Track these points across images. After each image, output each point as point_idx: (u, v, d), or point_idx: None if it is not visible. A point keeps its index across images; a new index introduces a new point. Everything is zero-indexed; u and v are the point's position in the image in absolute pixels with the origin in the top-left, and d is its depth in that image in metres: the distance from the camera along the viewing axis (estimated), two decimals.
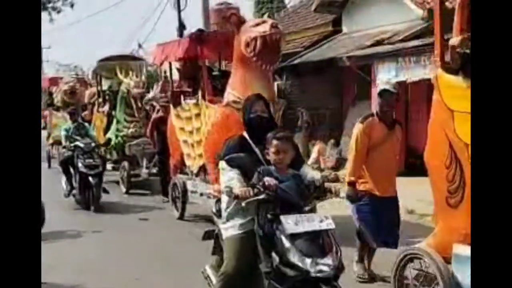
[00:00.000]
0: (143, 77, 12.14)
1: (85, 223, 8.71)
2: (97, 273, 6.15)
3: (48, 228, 6.87)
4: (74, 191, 9.94)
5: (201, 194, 8.39)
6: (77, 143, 9.74)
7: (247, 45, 6.94)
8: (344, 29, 16.15)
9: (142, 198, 11.14)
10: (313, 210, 3.79)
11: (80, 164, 9.54)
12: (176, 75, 10.60)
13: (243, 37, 7.02)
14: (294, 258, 3.42)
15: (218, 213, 4.25)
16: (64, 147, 10.15)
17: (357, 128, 5.48)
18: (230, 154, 3.99)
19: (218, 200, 4.31)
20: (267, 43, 6.82)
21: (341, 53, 13.99)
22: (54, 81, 18.94)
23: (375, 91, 13.12)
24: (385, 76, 12.16)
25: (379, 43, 13.39)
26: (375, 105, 12.90)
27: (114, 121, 12.48)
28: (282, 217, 3.54)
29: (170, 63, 9.82)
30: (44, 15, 29.49)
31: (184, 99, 8.93)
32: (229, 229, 3.99)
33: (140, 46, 21.52)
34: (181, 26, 18.30)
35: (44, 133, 15.08)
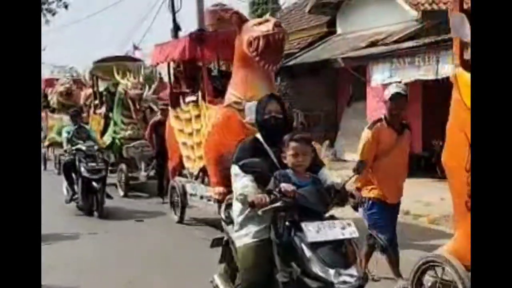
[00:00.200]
0: (141, 78, 12.00)
1: (85, 226, 8.61)
2: (93, 277, 6.11)
3: (46, 231, 6.85)
4: (75, 197, 9.55)
5: (201, 197, 8.21)
6: (79, 146, 9.39)
7: (250, 44, 6.73)
8: (339, 30, 16.25)
9: (140, 201, 11.05)
10: (333, 216, 3.56)
11: (82, 169, 9.16)
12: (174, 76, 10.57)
13: (245, 37, 6.82)
14: (316, 268, 3.23)
15: (228, 220, 4.03)
16: (65, 150, 9.82)
17: (365, 133, 5.33)
18: (243, 158, 3.72)
19: (228, 206, 4.10)
20: (270, 43, 6.61)
21: (335, 54, 14.09)
22: (49, 82, 18.68)
23: (370, 92, 13.34)
24: (380, 77, 12.27)
25: (373, 44, 13.50)
26: (369, 106, 13.17)
27: (111, 123, 12.33)
28: (303, 225, 3.32)
29: (168, 64, 9.57)
30: None
31: (184, 99, 8.76)
32: (243, 237, 3.73)
33: (136, 47, 21.42)
34: (176, 28, 18.30)
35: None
